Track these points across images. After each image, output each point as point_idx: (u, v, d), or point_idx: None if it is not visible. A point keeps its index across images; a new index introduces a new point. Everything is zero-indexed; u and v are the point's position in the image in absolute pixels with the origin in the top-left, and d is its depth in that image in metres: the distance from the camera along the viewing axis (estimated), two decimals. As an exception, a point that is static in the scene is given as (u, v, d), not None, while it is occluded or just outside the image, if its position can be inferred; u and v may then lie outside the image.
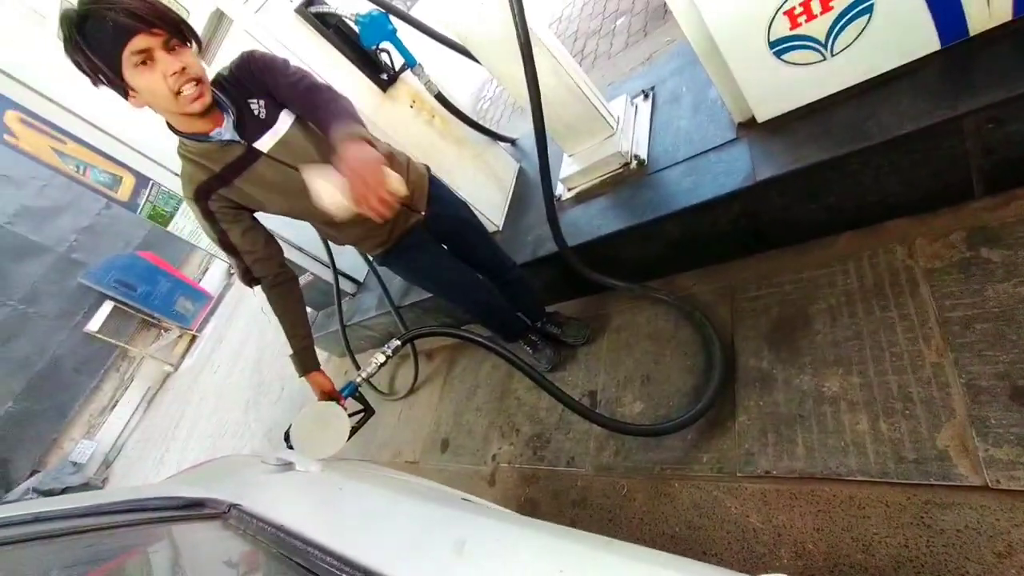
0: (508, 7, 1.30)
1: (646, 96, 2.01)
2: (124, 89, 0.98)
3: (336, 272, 2.78)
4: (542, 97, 1.41)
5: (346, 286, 2.96)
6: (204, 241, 4.22)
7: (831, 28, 1.19)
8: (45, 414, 6.48)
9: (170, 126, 1.10)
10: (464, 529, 0.58)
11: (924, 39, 1.18)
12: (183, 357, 6.84)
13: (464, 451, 2.14)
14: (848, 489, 1.15)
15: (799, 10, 1.17)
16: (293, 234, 2.68)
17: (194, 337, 6.92)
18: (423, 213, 1.46)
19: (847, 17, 1.16)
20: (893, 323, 1.26)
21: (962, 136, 1.18)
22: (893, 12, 1.14)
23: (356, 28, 1.71)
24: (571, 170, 1.95)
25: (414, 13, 1.98)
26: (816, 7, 1.16)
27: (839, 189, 1.38)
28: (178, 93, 0.98)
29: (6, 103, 2.40)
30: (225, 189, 1.16)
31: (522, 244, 2.06)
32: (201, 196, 1.15)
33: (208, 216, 1.18)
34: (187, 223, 3.93)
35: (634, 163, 1.83)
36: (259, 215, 1.28)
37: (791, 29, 1.21)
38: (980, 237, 1.24)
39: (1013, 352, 1.07)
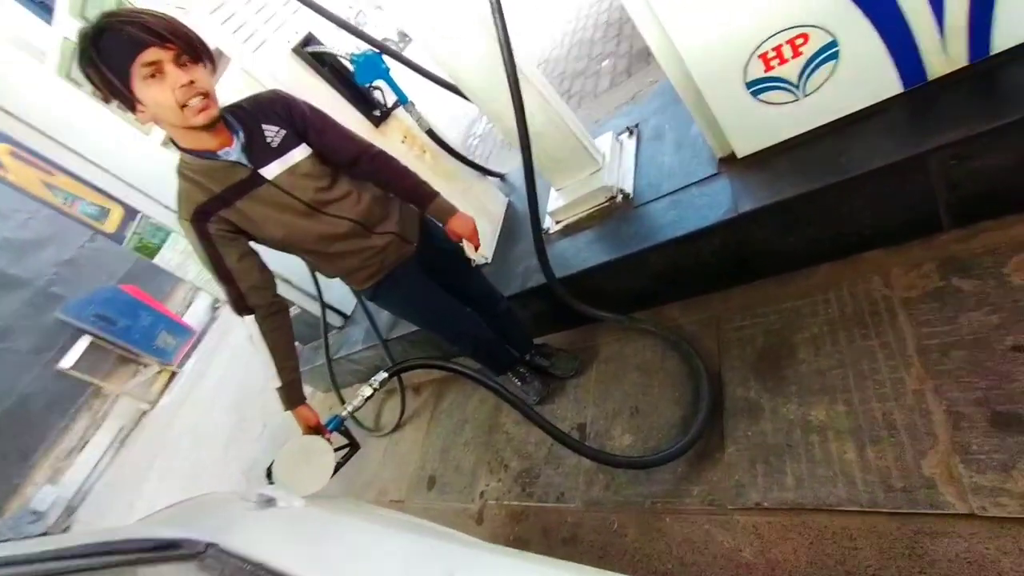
0: (497, 47, 1.36)
1: (631, 133, 2.09)
2: (132, 102, 1.00)
3: (323, 305, 2.76)
4: (530, 133, 1.46)
5: (333, 319, 2.93)
6: (190, 274, 4.17)
7: (802, 71, 1.27)
8: (9, 457, 6.12)
9: (175, 143, 1.10)
10: (453, 562, 0.57)
11: (888, 82, 1.26)
12: (161, 394, 6.60)
13: (451, 488, 2.08)
14: (839, 520, 1.14)
15: (772, 54, 1.25)
16: (280, 265, 2.65)
17: (174, 373, 6.72)
18: (414, 245, 1.48)
19: (816, 61, 1.24)
20: (874, 351, 1.29)
21: (928, 172, 1.24)
22: (858, 57, 1.21)
23: (351, 67, 1.76)
24: (559, 204, 1.99)
25: (407, 53, 2.06)
26: (787, 52, 1.24)
27: (817, 221, 1.43)
28: (184, 106, 1.00)
29: (-2, 137, 2.40)
30: (226, 211, 1.15)
31: (511, 276, 2.08)
32: (198, 217, 1.14)
33: (204, 238, 1.16)
34: (174, 255, 3.89)
35: (620, 197, 1.88)
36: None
37: (765, 71, 1.29)
38: (951, 267, 1.28)
39: (989, 378, 1.09)
